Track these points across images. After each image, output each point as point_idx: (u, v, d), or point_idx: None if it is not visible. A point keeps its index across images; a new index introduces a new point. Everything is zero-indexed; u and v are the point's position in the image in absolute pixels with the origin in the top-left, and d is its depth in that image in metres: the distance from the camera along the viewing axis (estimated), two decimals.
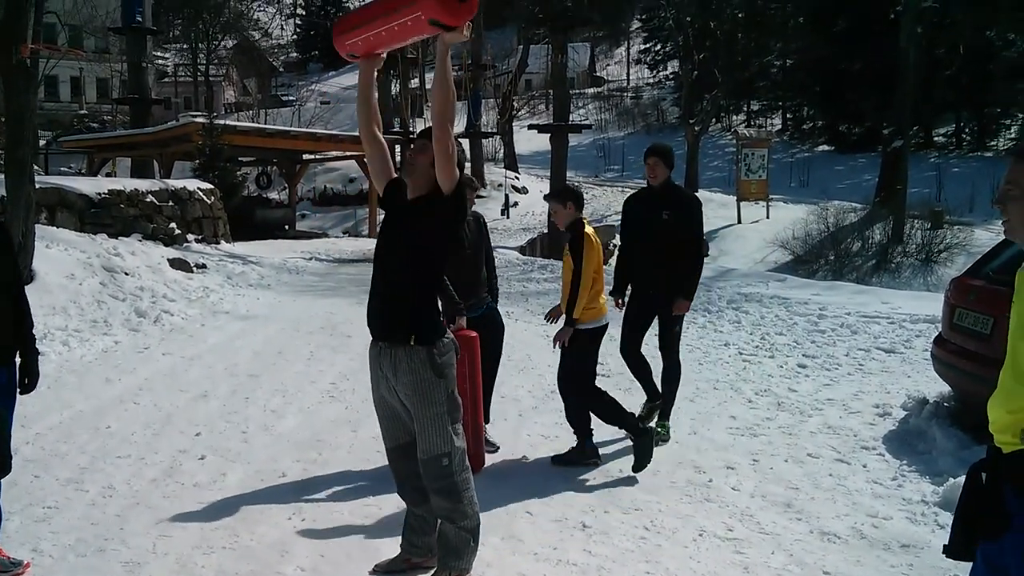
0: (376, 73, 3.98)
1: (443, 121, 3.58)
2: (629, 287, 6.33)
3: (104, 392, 7.37)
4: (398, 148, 30.82)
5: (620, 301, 6.38)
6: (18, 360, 3.97)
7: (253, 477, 5.34)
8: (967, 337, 6.17)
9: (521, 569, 4.05)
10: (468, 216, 5.82)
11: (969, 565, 2.58)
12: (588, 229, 5.45)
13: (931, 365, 6.89)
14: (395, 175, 3.99)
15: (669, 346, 6.20)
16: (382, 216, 4.17)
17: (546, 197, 5.88)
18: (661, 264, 6.01)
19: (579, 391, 5.56)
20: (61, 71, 45.84)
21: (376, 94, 4.05)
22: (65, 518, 4.63)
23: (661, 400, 6.27)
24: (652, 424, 6.18)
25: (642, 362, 6.32)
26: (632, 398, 7.29)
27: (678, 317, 6.15)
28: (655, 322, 6.26)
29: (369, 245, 21.72)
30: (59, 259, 11.26)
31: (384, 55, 3.95)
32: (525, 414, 6.88)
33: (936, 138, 44.55)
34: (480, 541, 3.99)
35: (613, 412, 5.53)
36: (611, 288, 6.42)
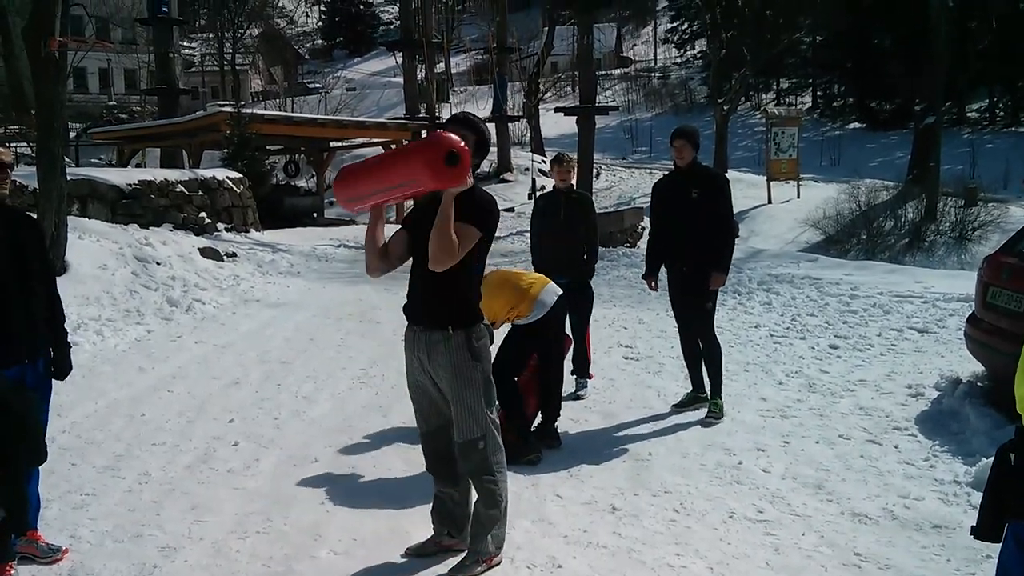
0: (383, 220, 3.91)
1: (436, 262, 3.58)
2: (663, 269, 6.48)
3: (138, 380, 7.47)
4: (424, 133, 30.86)
5: (654, 283, 6.47)
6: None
7: (286, 462, 5.39)
8: (1000, 315, 6.11)
9: (551, 552, 4.07)
10: (573, 194, 6.84)
11: (998, 545, 2.57)
12: None
13: (964, 344, 6.83)
14: (405, 229, 3.94)
15: (703, 325, 6.25)
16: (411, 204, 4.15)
17: None
18: (693, 242, 6.09)
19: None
20: (89, 63, 46.26)
21: (383, 235, 3.92)
22: (102, 505, 4.71)
23: (711, 385, 6.29)
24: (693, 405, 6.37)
25: (695, 351, 6.42)
26: (660, 380, 7.32)
27: (711, 292, 6.18)
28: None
29: None
30: (91, 250, 11.40)
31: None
32: None
33: (969, 114, 43.85)
34: (510, 524, 4.03)
35: (515, 409, 5.45)
36: (644, 272, 6.60)
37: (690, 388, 6.55)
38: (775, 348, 8.42)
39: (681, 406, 6.43)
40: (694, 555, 4.05)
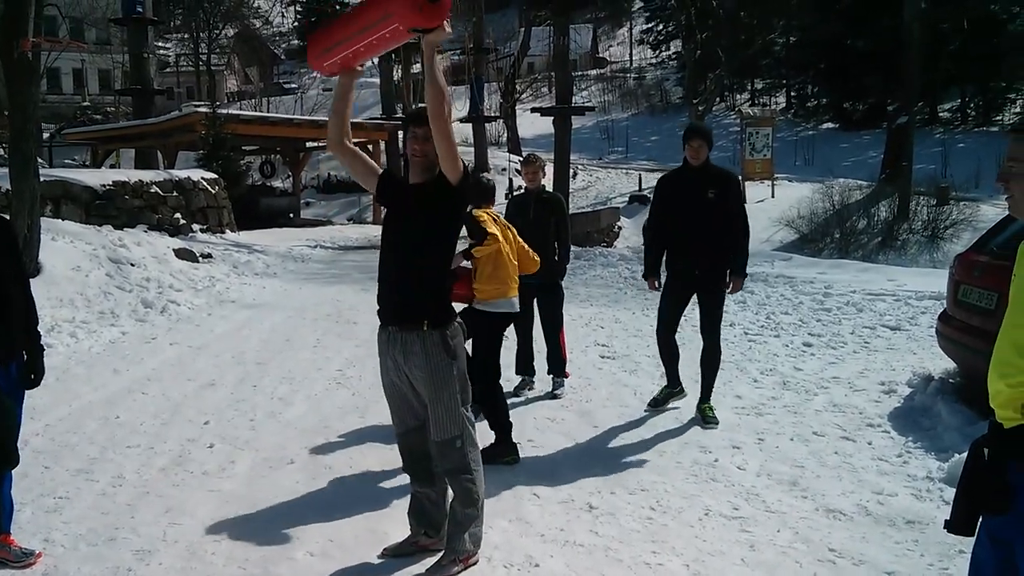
0: (354, 83, 3.94)
1: (440, 120, 3.53)
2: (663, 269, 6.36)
3: (112, 383, 7.41)
4: (400, 134, 30.83)
5: (656, 282, 6.36)
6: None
7: (261, 464, 5.37)
8: (972, 313, 6.17)
9: (529, 551, 4.08)
10: (544, 194, 6.95)
11: (971, 540, 2.59)
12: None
13: (936, 342, 6.90)
14: (380, 170, 4.02)
15: (713, 328, 6.18)
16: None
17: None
18: (707, 242, 6.00)
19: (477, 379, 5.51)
20: (63, 63, 45.84)
21: (350, 107, 4.00)
22: (76, 508, 4.67)
23: (704, 388, 6.25)
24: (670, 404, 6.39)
25: (675, 347, 6.36)
26: (636, 379, 7.35)
27: (722, 298, 6.16)
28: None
29: (374, 232, 21.73)
30: (65, 251, 11.30)
31: (364, 66, 3.96)
32: (531, 396, 6.92)
33: (941, 113, 44.23)
34: (487, 524, 4.04)
35: (498, 412, 5.47)
36: (643, 272, 6.49)
37: (665, 385, 6.52)
38: (750, 346, 8.47)
39: (656, 404, 6.42)
40: (670, 552, 4.07)
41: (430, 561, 3.90)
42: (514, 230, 5.85)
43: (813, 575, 3.86)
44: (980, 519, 2.51)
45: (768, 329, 9.23)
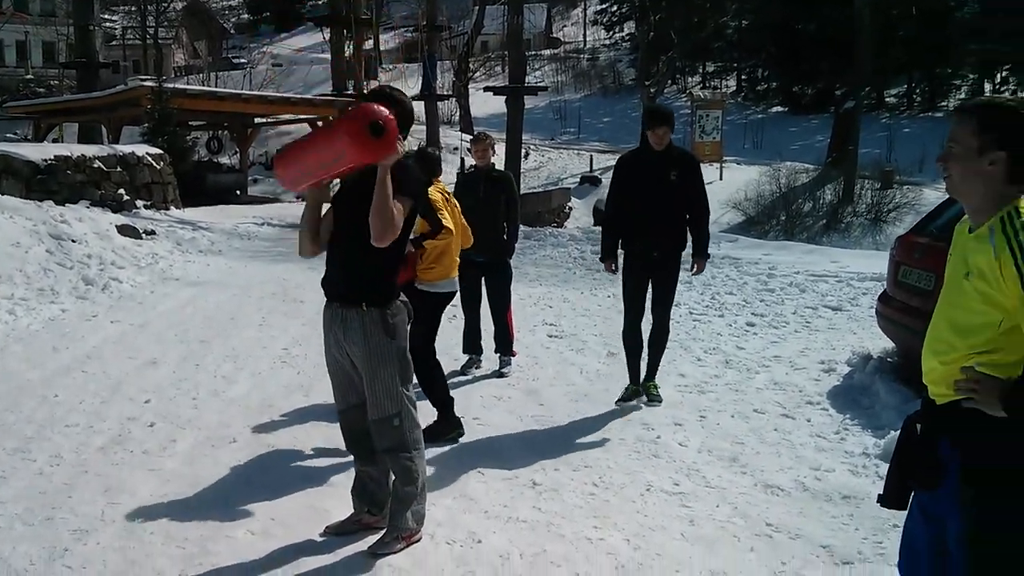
0: (322, 195, 3.86)
1: (381, 239, 3.53)
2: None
3: (51, 361, 7.27)
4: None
5: (614, 266, 6.17)
6: None
7: (203, 443, 5.31)
8: (911, 294, 6.29)
9: (472, 528, 4.09)
10: (494, 173, 7.00)
11: (904, 513, 2.65)
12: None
13: (876, 322, 7.02)
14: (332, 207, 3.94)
15: (665, 309, 6.09)
16: (336, 183, 4.07)
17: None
18: (668, 225, 5.91)
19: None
20: (6, 35, 44.84)
21: (320, 219, 3.90)
22: (12, 487, 4.58)
23: (651, 367, 6.17)
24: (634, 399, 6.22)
25: (641, 340, 6.16)
26: (583, 358, 7.39)
27: (676, 280, 6.07)
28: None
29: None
30: (4, 227, 11.03)
31: (333, 182, 3.93)
32: (478, 375, 6.93)
33: (888, 99, 44.94)
34: (432, 501, 4.04)
35: (437, 388, 5.46)
36: (600, 254, 6.28)
37: (629, 383, 6.23)
38: (694, 326, 8.56)
39: (624, 401, 6.10)
40: (612, 528, 4.11)
41: (373, 538, 3.90)
42: (459, 208, 5.84)
43: (751, 549, 3.92)
44: (912, 494, 2.57)
45: (712, 309, 9.34)
